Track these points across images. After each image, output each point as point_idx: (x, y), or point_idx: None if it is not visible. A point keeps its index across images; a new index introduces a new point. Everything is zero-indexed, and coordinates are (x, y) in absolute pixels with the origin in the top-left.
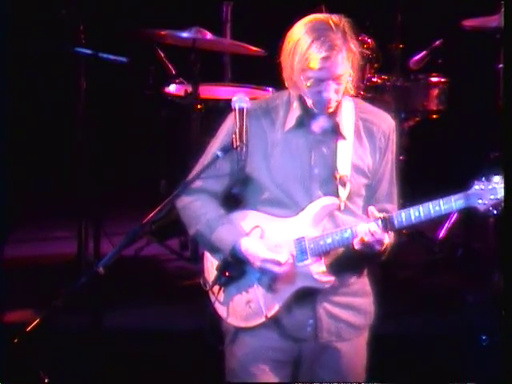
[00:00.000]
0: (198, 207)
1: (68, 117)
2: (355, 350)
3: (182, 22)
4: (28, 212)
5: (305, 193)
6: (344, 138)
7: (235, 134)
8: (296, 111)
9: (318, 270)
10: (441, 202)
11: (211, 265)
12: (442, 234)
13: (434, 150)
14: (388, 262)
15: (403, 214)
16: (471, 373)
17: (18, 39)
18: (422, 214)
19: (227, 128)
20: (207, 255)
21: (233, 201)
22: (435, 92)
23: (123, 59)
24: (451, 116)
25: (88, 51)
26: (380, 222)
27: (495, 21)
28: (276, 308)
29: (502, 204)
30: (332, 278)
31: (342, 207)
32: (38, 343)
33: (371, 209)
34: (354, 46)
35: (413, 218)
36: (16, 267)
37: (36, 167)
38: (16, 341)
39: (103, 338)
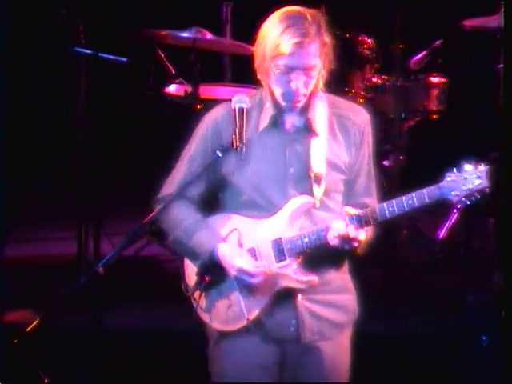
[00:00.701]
0: (175, 213)
1: (68, 117)
2: (338, 348)
3: (182, 21)
4: (28, 212)
5: (280, 193)
6: (317, 134)
7: (235, 134)
8: (269, 111)
9: (297, 270)
10: (414, 195)
11: (191, 270)
12: (442, 234)
13: (433, 150)
14: (388, 262)
15: (377, 209)
16: (471, 373)
17: (18, 39)
18: (395, 209)
19: (202, 132)
20: (187, 260)
21: (212, 204)
22: (435, 92)
23: (123, 59)
24: (451, 116)
25: (88, 51)
26: (354, 218)
27: (495, 21)
28: (257, 311)
29: (476, 194)
30: (313, 278)
31: (318, 205)
32: (38, 343)
33: (346, 207)
34: (328, 39)
35: (387, 213)
36: (16, 267)
37: (36, 167)
38: (16, 341)
39: (103, 337)
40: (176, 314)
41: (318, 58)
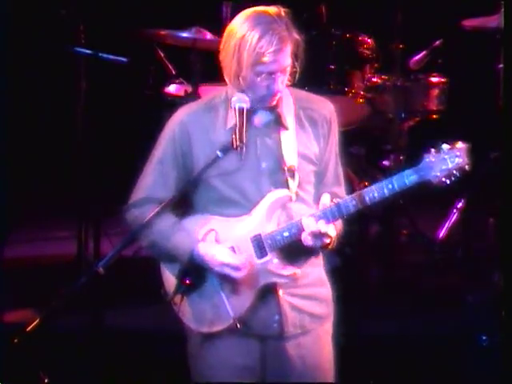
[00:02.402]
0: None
1: (68, 117)
2: (320, 343)
3: (182, 21)
4: (28, 212)
5: (255, 188)
6: (287, 128)
7: (235, 133)
8: None
9: (279, 265)
10: (393, 179)
11: (170, 274)
12: (441, 233)
13: None
14: (388, 262)
15: (366, 193)
16: (471, 373)
17: (18, 39)
18: (376, 195)
19: (169, 135)
20: (164, 264)
21: (185, 206)
22: (435, 92)
23: (123, 59)
24: (451, 116)
25: (88, 51)
26: (327, 212)
27: (495, 21)
28: (243, 309)
29: (455, 172)
30: (295, 270)
31: (294, 198)
32: (38, 343)
33: (324, 199)
34: (296, 35)
35: (367, 199)
36: (16, 267)
37: (36, 167)
38: (16, 341)
39: (103, 337)
40: (176, 314)
41: (291, 56)
